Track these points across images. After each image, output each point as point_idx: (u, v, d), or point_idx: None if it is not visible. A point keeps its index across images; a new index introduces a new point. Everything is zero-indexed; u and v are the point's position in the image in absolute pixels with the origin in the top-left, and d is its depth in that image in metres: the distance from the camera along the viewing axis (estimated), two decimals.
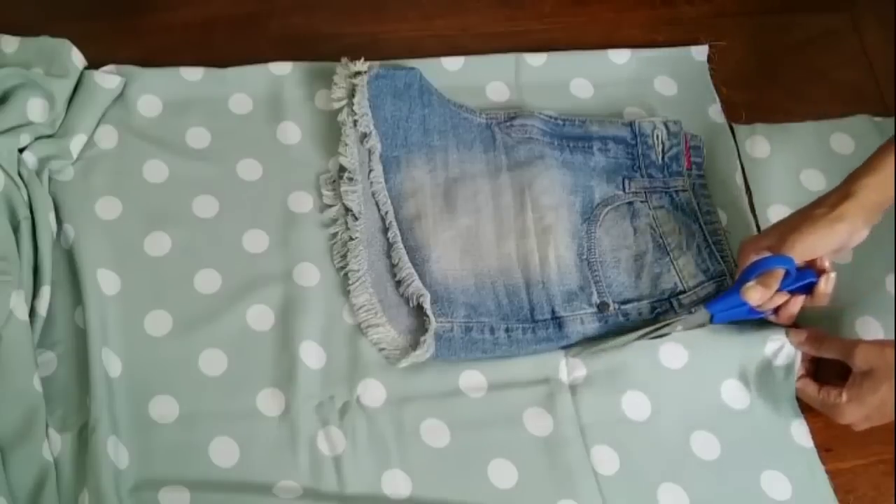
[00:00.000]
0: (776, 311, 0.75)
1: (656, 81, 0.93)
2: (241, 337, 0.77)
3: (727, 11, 0.99)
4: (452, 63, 0.92)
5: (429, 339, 0.75)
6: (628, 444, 0.74)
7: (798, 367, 0.75)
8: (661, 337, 0.76)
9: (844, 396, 0.72)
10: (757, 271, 0.72)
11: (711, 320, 0.76)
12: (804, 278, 0.73)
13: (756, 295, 0.73)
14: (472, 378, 0.76)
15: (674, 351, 0.76)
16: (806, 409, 0.76)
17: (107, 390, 0.72)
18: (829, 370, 0.76)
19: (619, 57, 0.94)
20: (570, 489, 0.72)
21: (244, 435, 0.73)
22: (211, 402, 0.74)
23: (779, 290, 0.73)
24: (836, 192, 0.72)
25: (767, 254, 0.73)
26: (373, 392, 0.75)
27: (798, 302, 0.74)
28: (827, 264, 0.73)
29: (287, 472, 0.72)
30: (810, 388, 0.75)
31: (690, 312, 0.77)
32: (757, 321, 0.77)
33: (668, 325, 0.76)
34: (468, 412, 0.74)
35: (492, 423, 0.74)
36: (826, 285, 0.73)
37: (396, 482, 0.72)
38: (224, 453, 0.72)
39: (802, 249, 0.71)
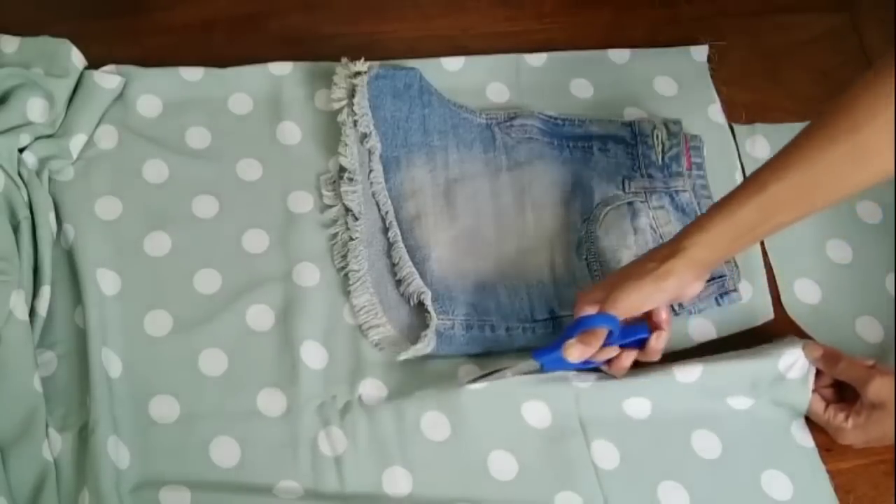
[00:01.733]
0: (608, 362, 0.74)
1: (656, 81, 0.93)
2: (242, 337, 0.77)
3: (727, 11, 0.99)
4: (452, 63, 0.92)
5: (430, 333, 0.75)
6: (629, 441, 0.74)
7: (812, 383, 0.74)
8: (489, 381, 0.75)
9: (850, 423, 0.72)
10: (580, 328, 0.72)
11: (542, 369, 0.75)
12: (637, 333, 0.73)
13: (576, 353, 0.72)
14: (472, 372, 0.76)
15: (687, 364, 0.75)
16: None
17: (107, 390, 0.72)
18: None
19: (619, 57, 0.94)
20: (570, 481, 0.72)
21: (245, 435, 0.73)
22: (211, 402, 0.74)
23: (609, 345, 0.73)
24: (667, 247, 0.71)
25: (597, 308, 0.72)
26: (374, 391, 0.75)
27: (629, 356, 0.73)
28: (664, 317, 0.73)
29: (288, 472, 0.72)
30: (817, 404, 0.74)
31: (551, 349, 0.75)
32: (769, 331, 0.77)
33: (496, 371, 0.75)
34: (468, 406, 0.74)
35: (492, 416, 0.74)
36: (657, 342, 0.73)
37: (397, 479, 0.71)
38: (225, 453, 0.72)
39: (625, 308, 0.71)
